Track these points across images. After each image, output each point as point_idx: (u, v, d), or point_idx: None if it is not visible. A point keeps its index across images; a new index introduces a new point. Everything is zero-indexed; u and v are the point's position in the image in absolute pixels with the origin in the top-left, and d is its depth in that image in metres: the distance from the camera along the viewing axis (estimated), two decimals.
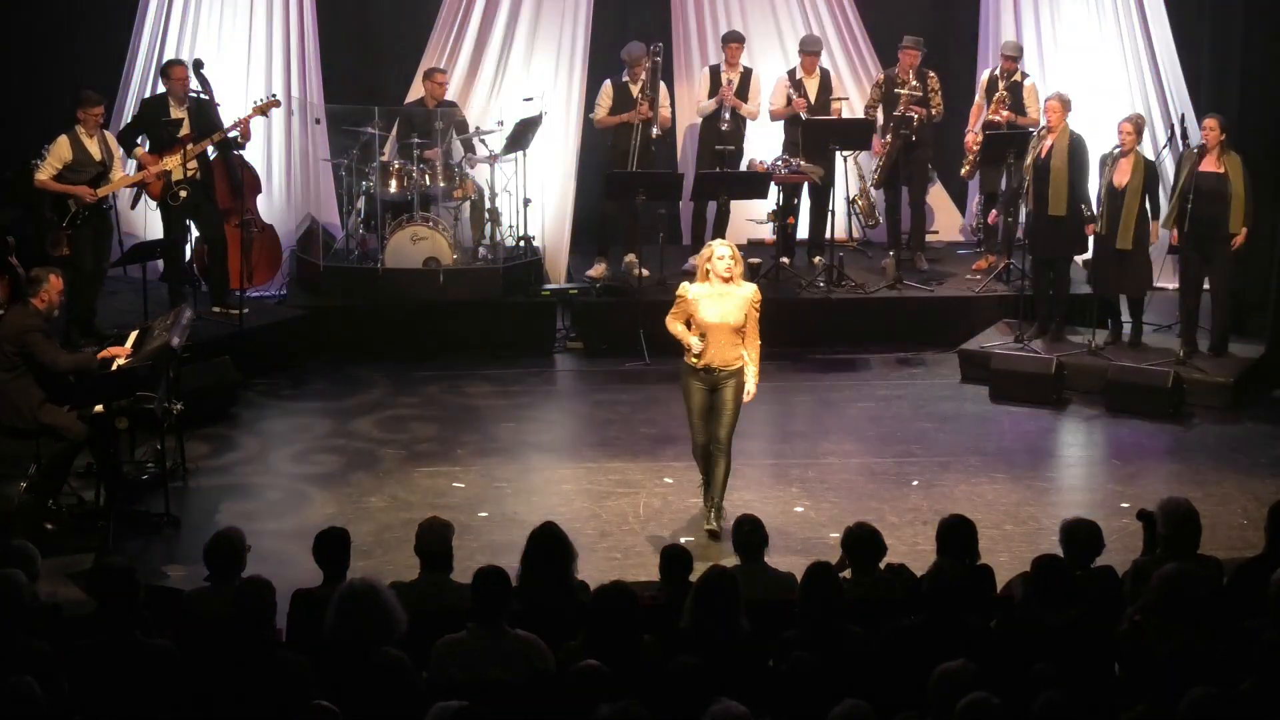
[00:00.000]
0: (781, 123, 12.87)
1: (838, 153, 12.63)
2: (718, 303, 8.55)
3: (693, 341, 8.60)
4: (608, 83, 12.51)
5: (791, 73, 12.81)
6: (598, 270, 12.64)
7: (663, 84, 12.54)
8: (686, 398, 8.77)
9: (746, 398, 8.67)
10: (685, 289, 8.69)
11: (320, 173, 12.94)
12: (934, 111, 12.74)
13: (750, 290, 8.62)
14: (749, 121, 12.83)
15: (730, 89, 12.53)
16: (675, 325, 8.72)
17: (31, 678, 5.15)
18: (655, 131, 12.38)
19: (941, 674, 5.12)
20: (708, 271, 8.59)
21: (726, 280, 8.52)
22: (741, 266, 8.65)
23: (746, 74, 12.65)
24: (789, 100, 12.66)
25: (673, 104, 12.98)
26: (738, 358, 8.61)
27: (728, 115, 12.56)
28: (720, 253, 8.57)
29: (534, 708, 5.26)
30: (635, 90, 12.35)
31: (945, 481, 9.62)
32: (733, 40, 12.67)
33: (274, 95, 11.91)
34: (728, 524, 8.27)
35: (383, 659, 5.42)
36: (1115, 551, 7.08)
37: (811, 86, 12.71)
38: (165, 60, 11.88)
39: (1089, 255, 11.78)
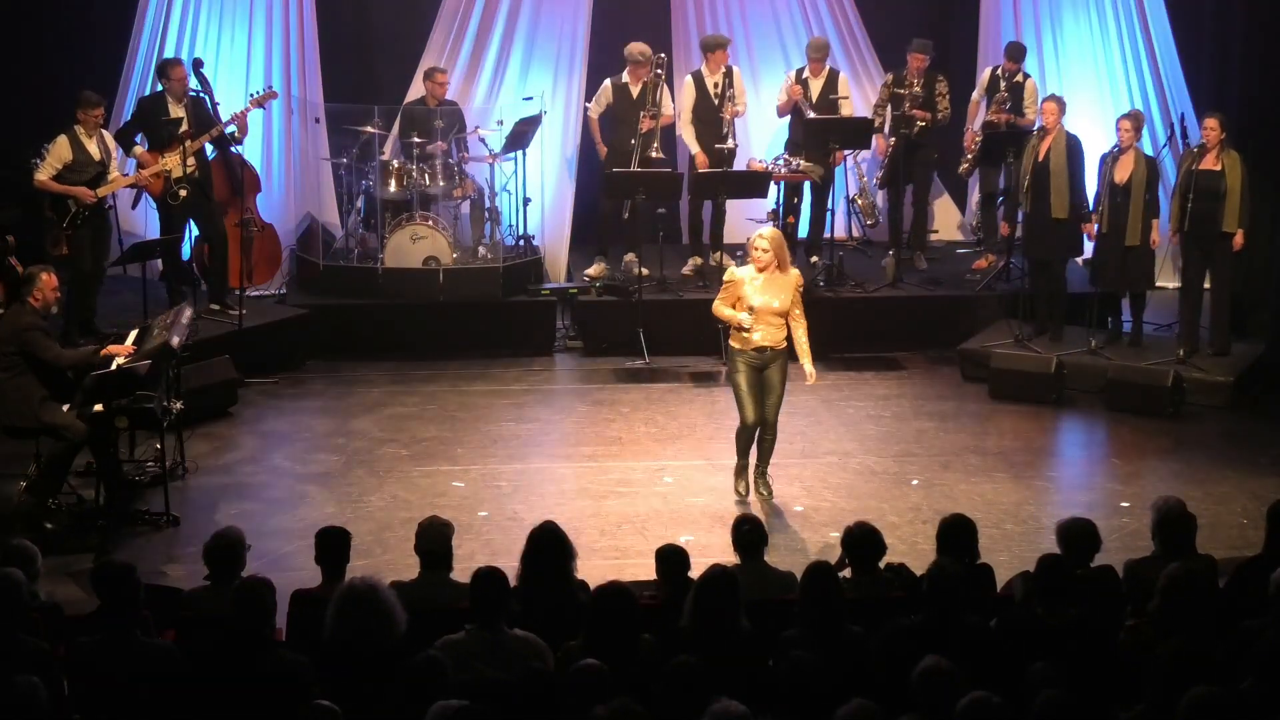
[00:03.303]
0: (788, 121, 12.83)
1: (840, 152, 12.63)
2: (765, 286, 8.81)
3: (742, 318, 8.80)
4: (608, 82, 12.48)
5: (799, 71, 12.78)
6: (597, 269, 12.63)
7: (664, 84, 12.52)
8: (735, 378, 8.99)
9: (810, 380, 8.98)
10: (732, 272, 9.00)
11: (320, 172, 12.94)
12: (940, 116, 12.72)
13: (794, 275, 8.91)
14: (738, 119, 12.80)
15: (798, 91, 12.50)
16: (723, 309, 8.94)
17: (36, 678, 5.14)
18: (656, 152, 12.33)
19: (921, 672, 5.11)
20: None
21: (762, 270, 8.75)
22: (778, 257, 8.83)
23: (728, 73, 12.56)
24: (788, 94, 12.63)
25: (674, 104, 12.96)
26: (784, 339, 8.92)
27: (728, 130, 12.51)
28: (758, 242, 8.86)
29: (534, 707, 5.25)
30: (635, 91, 12.33)
31: (945, 481, 9.62)
32: (717, 46, 12.49)
33: (270, 87, 11.92)
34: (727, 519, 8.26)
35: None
36: (1115, 551, 7.10)
37: (816, 85, 12.67)
38: (162, 59, 11.90)
39: (1088, 255, 11.79)
